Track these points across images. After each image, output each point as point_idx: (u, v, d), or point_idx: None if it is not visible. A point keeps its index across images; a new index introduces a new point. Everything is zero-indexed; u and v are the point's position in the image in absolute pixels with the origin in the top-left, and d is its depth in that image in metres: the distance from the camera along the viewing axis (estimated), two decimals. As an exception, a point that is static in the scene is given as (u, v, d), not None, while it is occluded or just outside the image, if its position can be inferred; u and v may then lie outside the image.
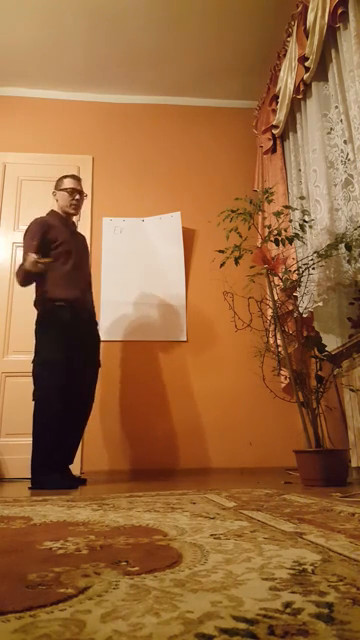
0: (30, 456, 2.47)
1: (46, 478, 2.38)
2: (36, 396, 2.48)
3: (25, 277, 2.59)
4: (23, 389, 3.20)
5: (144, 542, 0.86)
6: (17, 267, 2.66)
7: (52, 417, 2.44)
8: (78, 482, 2.48)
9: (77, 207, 2.80)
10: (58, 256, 2.62)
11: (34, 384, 2.50)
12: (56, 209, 2.81)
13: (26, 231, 2.67)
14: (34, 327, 2.60)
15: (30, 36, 3.38)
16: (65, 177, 2.83)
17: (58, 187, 2.80)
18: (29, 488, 2.41)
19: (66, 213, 2.79)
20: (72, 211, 2.79)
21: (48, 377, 2.47)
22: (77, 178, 2.84)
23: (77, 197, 2.77)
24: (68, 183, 2.78)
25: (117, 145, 3.88)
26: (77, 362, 2.54)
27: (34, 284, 2.65)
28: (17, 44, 3.45)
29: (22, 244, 2.67)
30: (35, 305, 2.65)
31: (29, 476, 2.49)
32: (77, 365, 2.53)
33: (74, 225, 2.88)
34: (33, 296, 3.30)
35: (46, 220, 2.71)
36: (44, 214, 3.60)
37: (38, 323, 2.59)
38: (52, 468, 2.43)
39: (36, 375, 2.50)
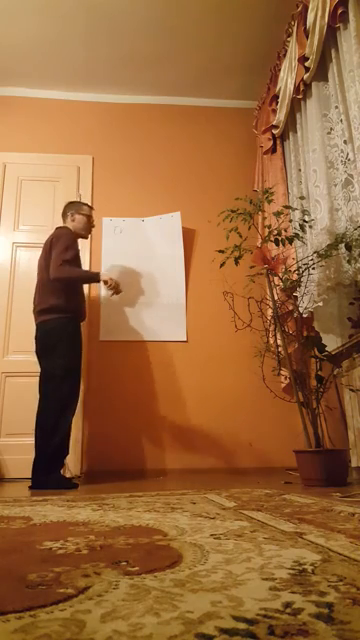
0: (33, 456, 2.51)
1: (49, 478, 2.43)
2: (52, 396, 2.56)
3: (78, 281, 2.85)
4: (23, 389, 3.20)
5: (144, 542, 0.86)
6: (64, 267, 2.68)
7: (69, 422, 2.59)
8: (72, 485, 2.49)
9: (89, 232, 3.06)
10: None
11: (49, 387, 2.58)
12: (69, 227, 2.91)
13: (59, 237, 2.77)
14: (50, 333, 2.66)
15: (30, 36, 3.38)
16: (84, 204, 3.05)
17: (78, 211, 2.96)
18: (30, 487, 2.43)
19: (78, 235, 2.94)
20: (86, 235, 3.02)
21: (73, 383, 2.62)
22: (92, 208, 3.10)
23: (93, 225, 3.05)
24: (87, 210, 3.00)
25: (117, 145, 3.89)
26: (81, 366, 2.75)
27: (44, 290, 2.72)
28: (17, 44, 3.45)
29: (56, 246, 2.73)
30: (49, 312, 2.66)
31: (29, 476, 2.49)
32: (80, 369, 2.74)
33: None
34: (33, 296, 3.31)
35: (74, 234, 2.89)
36: (44, 214, 3.62)
37: (61, 331, 2.66)
38: (56, 468, 2.51)
39: (53, 378, 2.59)
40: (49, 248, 2.75)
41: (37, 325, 2.73)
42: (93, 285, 3.40)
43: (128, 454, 3.17)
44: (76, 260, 2.78)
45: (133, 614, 0.48)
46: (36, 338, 2.72)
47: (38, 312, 2.72)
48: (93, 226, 3.05)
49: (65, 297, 2.69)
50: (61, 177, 3.73)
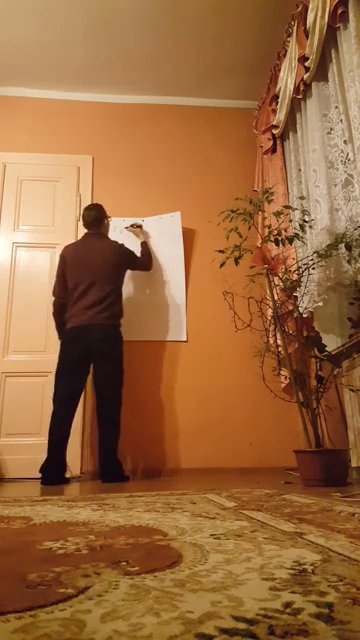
0: (44, 455, 2.65)
1: (122, 471, 2.70)
2: (119, 402, 2.80)
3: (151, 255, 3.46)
4: (23, 389, 3.21)
5: (144, 542, 0.86)
6: (149, 258, 3.40)
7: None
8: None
9: None
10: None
11: (118, 391, 2.81)
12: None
13: (128, 251, 3.16)
14: (114, 338, 2.87)
15: (30, 36, 3.38)
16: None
17: (107, 217, 3.26)
18: (104, 481, 2.63)
19: None
20: None
21: (123, 387, 2.87)
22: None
23: None
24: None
25: (117, 145, 3.88)
26: None
27: (111, 298, 2.91)
28: (17, 44, 3.45)
29: (132, 257, 3.21)
30: (114, 319, 2.90)
31: (30, 476, 2.52)
32: None
33: None
34: (33, 296, 3.30)
35: None
36: (44, 214, 3.63)
37: (121, 338, 2.91)
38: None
39: (121, 384, 2.84)
40: (118, 259, 3.03)
41: (100, 326, 2.82)
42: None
43: (128, 454, 3.16)
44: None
45: (133, 614, 0.48)
46: (98, 340, 2.80)
47: (109, 315, 2.85)
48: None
49: (121, 305, 3.01)
50: (61, 177, 3.74)
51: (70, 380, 2.79)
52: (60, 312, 2.98)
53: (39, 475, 2.65)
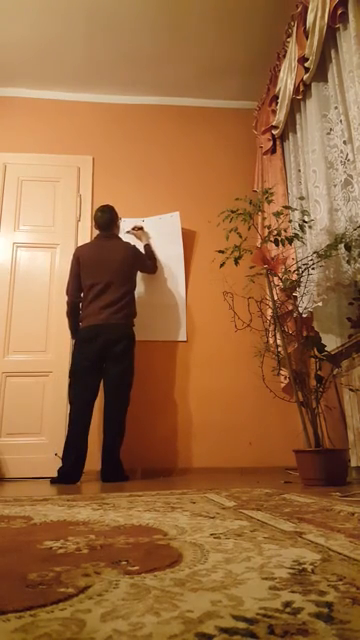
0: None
1: (123, 472, 2.70)
2: (127, 403, 2.82)
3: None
4: (23, 389, 3.21)
5: (144, 541, 0.86)
6: (155, 261, 3.42)
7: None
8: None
9: None
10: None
11: (128, 392, 2.83)
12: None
13: (139, 252, 3.22)
14: (130, 339, 2.88)
15: (30, 37, 3.38)
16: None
17: (118, 219, 3.29)
18: (105, 481, 2.64)
19: None
20: None
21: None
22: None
23: None
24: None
25: (117, 145, 3.89)
26: None
27: (126, 299, 2.94)
28: (17, 44, 3.45)
29: (141, 258, 3.25)
30: (129, 319, 2.92)
31: (30, 475, 2.51)
32: None
33: None
34: (33, 296, 3.30)
35: None
36: (45, 214, 3.63)
37: (134, 339, 2.92)
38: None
39: (131, 384, 2.86)
40: (132, 260, 3.06)
41: (117, 326, 2.83)
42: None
43: (128, 454, 3.16)
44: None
45: (133, 613, 0.48)
46: (115, 340, 2.80)
47: (124, 315, 2.87)
48: None
49: (134, 306, 3.03)
50: (61, 177, 3.74)
51: (87, 380, 2.79)
52: (74, 312, 2.98)
53: (39, 475, 2.65)
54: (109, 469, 2.67)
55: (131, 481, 2.71)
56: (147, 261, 3.31)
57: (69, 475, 2.63)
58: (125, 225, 3.64)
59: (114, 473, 2.67)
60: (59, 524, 1.10)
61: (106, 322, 2.81)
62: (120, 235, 3.35)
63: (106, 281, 2.90)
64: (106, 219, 3.11)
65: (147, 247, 3.43)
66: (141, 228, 3.55)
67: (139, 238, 3.52)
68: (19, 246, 3.55)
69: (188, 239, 3.67)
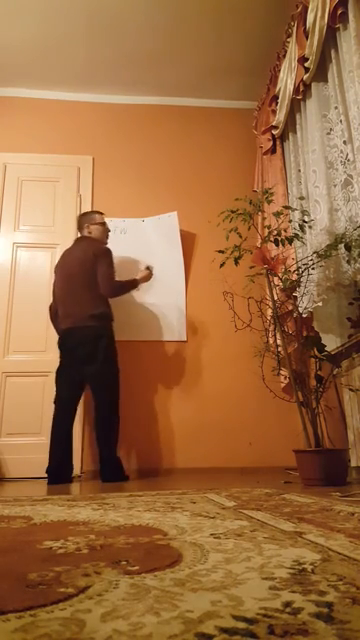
0: (46, 455, 2.65)
1: (122, 472, 2.70)
2: (114, 400, 2.80)
3: (127, 290, 3.11)
4: (23, 389, 3.21)
5: (144, 541, 0.86)
6: (117, 284, 3.00)
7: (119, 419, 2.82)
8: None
9: (107, 239, 3.20)
10: None
11: (109, 391, 2.80)
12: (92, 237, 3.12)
13: (105, 254, 2.97)
14: (98, 338, 2.81)
15: (30, 36, 3.38)
16: (95, 212, 3.23)
17: (91, 222, 3.13)
18: (106, 481, 2.64)
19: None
20: (107, 242, 3.16)
21: (119, 385, 2.86)
22: (101, 213, 3.24)
23: (109, 230, 3.21)
24: (99, 219, 3.17)
25: (117, 145, 3.89)
26: None
27: (90, 299, 2.86)
28: (17, 44, 3.45)
29: (102, 263, 2.94)
30: (99, 319, 2.85)
31: (30, 475, 2.51)
32: None
33: None
34: (33, 296, 3.31)
35: None
36: (45, 214, 3.63)
37: (109, 338, 2.87)
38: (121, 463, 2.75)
39: (114, 383, 2.84)
40: (92, 259, 2.91)
41: (81, 328, 2.81)
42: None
43: (128, 454, 3.17)
44: None
45: (133, 613, 0.48)
46: (81, 343, 2.80)
47: (89, 317, 2.81)
48: (109, 231, 3.21)
49: (109, 306, 2.95)
50: (61, 177, 3.74)
51: (66, 382, 2.83)
52: (53, 317, 3.06)
53: (39, 475, 2.66)
54: (107, 469, 2.68)
55: (131, 481, 2.71)
56: (107, 271, 2.90)
57: (54, 478, 2.65)
58: (125, 225, 3.64)
59: (112, 473, 2.67)
60: (59, 524, 1.10)
61: (72, 325, 2.84)
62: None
63: (68, 285, 2.92)
64: (78, 222, 3.21)
65: (134, 281, 3.12)
66: (148, 268, 3.24)
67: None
68: (19, 246, 3.55)
69: (188, 239, 3.67)
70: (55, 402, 2.82)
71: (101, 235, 3.13)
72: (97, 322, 2.84)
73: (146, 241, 3.63)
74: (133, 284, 3.12)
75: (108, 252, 2.99)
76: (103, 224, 3.16)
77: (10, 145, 3.77)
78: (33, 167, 3.74)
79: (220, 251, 2.57)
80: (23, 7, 3.14)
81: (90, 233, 3.10)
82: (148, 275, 3.20)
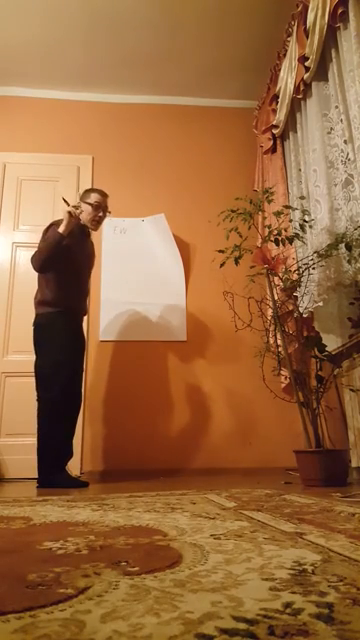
0: (36, 456, 2.51)
1: (55, 477, 2.44)
2: (43, 398, 2.54)
3: (49, 254, 2.52)
4: (23, 389, 3.20)
5: (144, 542, 0.86)
6: (35, 254, 2.59)
7: (59, 417, 2.52)
8: (81, 483, 2.50)
9: (98, 224, 2.80)
10: (65, 261, 2.60)
11: (40, 386, 2.56)
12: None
13: (44, 232, 2.65)
14: (40, 328, 2.62)
15: (30, 36, 3.38)
16: (93, 190, 2.82)
17: (84, 199, 2.76)
18: (37, 487, 2.43)
19: (85, 227, 2.77)
20: (92, 227, 2.79)
21: (55, 379, 2.52)
22: (104, 194, 2.80)
23: (100, 214, 2.76)
24: (95, 197, 2.75)
25: (117, 145, 3.88)
26: (76, 363, 2.65)
27: (38, 284, 2.67)
28: (17, 44, 3.45)
29: (39, 243, 2.63)
30: (36, 306, 2.67)
31: (30, 476, 2.49)
32: (75, 366, 2.64)
33: (88, 233, 2.84)
34: (32, 296, 3.31)
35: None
36: (44, 214, 3.62)
37: (49, 326, 2.59)
38: (60, 467, 2.50)
39: (42, 377, 2.56)
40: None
41: None
42: (93, 284, 3.37)
43: (128, 454, 3.16)
44: (63, 251, 2.54)
45: (133, 614, 0.48)
46: None
47: (35, 305, 2.67)
48: (103, 214, 2.77)
49: (55, 290, 2.59)
50: (61, 177, 3.74)
51: None
52: None
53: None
54: (39, 473, 2.48)
55: (131, 481, 2.71)
56: (38, 246, 2.60)
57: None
58: (125, 225, 3.64)
59: (40, 477, 2.47)
60: (59, 525, 1.10)
61: None
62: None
63: None
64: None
65: (52, 237, 2.57)
66: (76, 207, 2.67)
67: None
68: (18, 246, 3.55)
69: (188, 239, 3.67)
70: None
71: (87, 218, 2.72)
72: (36, 309, 2.65)
73: (146, 241, 3.63)
74: (54, 239, 2.53)
75: (48, 228, 2.65)
76: (94, 206, 2.72)
77: (10, 144, 3.77)
78: (33, 167, 3.74)
79: (220, 251, 2.57)
80: (23, 7, 3.14)
81: (82, 211, 2.70)
82: (69, 221, 2.54)
